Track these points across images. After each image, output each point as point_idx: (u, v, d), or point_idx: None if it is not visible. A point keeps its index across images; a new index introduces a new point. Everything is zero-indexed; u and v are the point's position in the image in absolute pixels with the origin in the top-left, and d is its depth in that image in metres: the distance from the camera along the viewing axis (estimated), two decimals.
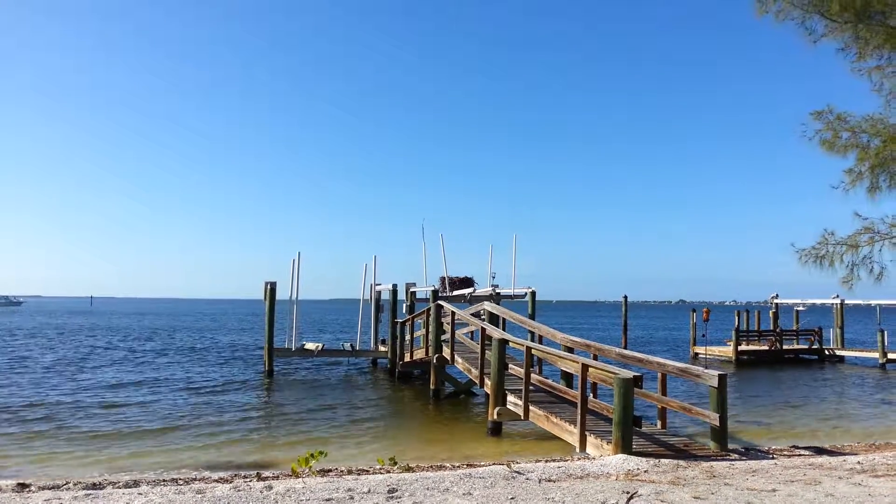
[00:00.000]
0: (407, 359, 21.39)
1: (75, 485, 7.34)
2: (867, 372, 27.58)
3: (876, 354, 29.82)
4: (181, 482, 7.59)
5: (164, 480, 7.91)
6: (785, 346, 31.90)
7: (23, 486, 7.18)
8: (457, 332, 17.48)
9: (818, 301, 36.76)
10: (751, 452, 9.66)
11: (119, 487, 7.11)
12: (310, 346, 24.71)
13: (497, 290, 24.37)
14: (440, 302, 19.26)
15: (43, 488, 7.07)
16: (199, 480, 7.82)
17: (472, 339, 17.88)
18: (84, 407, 16.08)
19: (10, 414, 14.92)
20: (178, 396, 18.11)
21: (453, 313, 17.27)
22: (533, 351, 12.56)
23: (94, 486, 7.18)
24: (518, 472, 7.49)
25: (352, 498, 6.19)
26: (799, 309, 36.08)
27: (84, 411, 15.49)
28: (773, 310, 35.36)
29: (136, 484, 7.44)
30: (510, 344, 13.34)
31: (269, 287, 23.08)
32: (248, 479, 7.53)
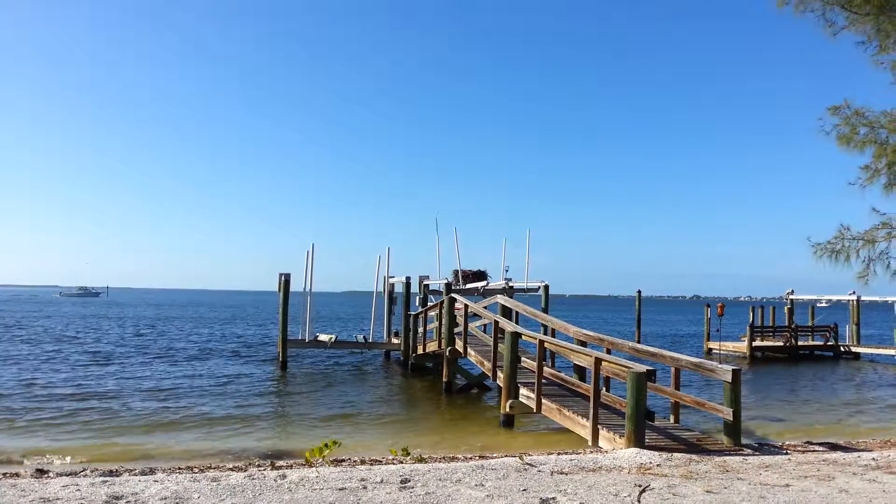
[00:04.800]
0: (420, 351, 21.45)
1: (92, 472, 7.44)
2: (883, 369, 27.32)
3: (892, 351, 29.54)
4: (196, 470, 7.68)
5: (179, 468, 8.00)
6: (800, 343, 31.66)
7: (41, 472, 7.29)
8: (470, 324, 17.48)
9: (834, 297, 36.42)
10: (764, 448, 9.62)
11: (135, 475, 7.20)
12: (323, 337, 24.85)
13: (510, 284, 24.35)
14: (453, 295, 19.27)
15: (61, 474, 7.18)
16: (214, 469, 7.91)
17: (484, 332, 17.88)
18: (99, 396, 16.29)
19: (32, 400, 15.17)
20: (192, 386, 18.29)
21: (466, 306, 17.28)
22: (546, 344, 12.52)
23: (111, 473, 7.27)
24: (530, 465, 7.51)
25: (365, 487, 6.24)
26: (821, 305, 35.72)
27: (100, 401, 15.70)
28: (789, 306, 35.07)
29: (151, 471, 7.52)
30: (523, 337, 13.32)
31: (283, 279, 23.19)
32: (263, 468, 7.60)
